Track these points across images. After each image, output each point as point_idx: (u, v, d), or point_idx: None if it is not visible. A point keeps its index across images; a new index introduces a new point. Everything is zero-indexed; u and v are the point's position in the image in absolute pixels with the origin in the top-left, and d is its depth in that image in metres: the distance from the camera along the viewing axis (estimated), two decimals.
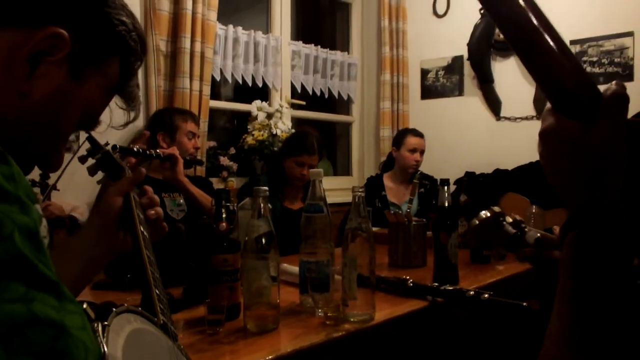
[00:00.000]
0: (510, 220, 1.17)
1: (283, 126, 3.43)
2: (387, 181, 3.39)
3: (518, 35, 0.57)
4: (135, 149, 1.30)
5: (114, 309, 0.70)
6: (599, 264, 0.52)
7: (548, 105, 0.60)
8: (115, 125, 0.85)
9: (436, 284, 1.60)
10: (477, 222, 1.17)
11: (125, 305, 0.74)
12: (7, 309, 0.39)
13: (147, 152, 1.35)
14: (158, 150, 1.47)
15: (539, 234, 1.13)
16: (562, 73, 0.55)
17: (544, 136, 0.59)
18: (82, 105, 0.75)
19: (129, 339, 0.67)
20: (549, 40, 0.55)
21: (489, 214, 1.17)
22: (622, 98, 0.55)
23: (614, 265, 0.52)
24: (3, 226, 0.41)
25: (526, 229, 1.16)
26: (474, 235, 1.17)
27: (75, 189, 2.46)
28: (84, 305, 0.61)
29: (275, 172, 2.70)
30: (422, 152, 3.33)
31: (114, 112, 0.84)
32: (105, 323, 0.64)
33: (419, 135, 3.39)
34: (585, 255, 0.53)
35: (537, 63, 0.57)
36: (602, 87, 0.57)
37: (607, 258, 0.52)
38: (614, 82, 0.56)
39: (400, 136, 3.43)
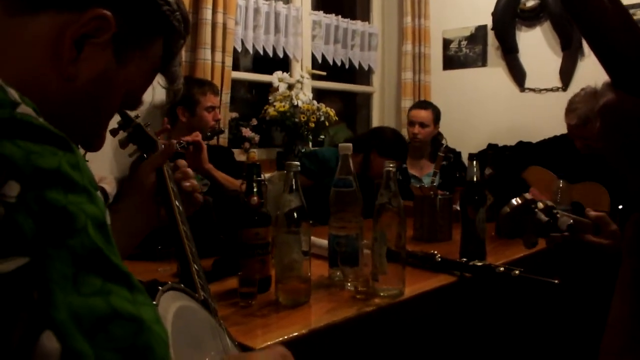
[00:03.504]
0: (542, 206, 1.16)
1: (304, 97, 3.41)
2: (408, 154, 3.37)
3: (580, 5, 0.55)
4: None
5: (160, 288, 0.71)
6: None
7: (607, 79, 0.58)
8: (156, 103, 0.85)
9: (464, 259, 1.60)
10: (508, 209, 1.16)
11: (169, 283, 0.75)
12: (88, 303, 0.39)
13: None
14: (182, 140, 1.46)
15: (571, 220, 1.12)
16: (625, 47, 0.53)
17: (604, 112, 0.57)
18: (126, 86, 0.75)
19: (175, 318, 0.68)
20: (613, 12, 0.53)
21: (520, 202, 1.16)
22: None
23: None
24: (76, 219, 0.41)
25: (558, 215, 1.15)
26: (506, 223, 1.16)
27: (102, 160, 2.48)
28: None
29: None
30: (422, 125, 3.25)
31: (155, 90, 0.83)
32: (154, 303, 0.65)
33: (422, 107, 3.34)
34: None
35: (598, 36, 0.55)
36: None
37: None
38: None
39: (408, 110, 3.42)
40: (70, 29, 0.65)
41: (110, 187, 2.35)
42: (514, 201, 1.15)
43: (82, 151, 0.81)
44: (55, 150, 0.44)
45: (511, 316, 1.71)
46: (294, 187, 1.31)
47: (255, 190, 1.37)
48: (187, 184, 1.09)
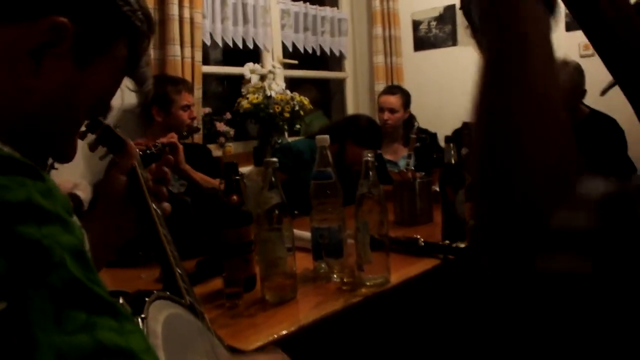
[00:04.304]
0: None
1: (277, 87, 3.38)
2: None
3: None
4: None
5: (146, 299, 0.70)
6: None
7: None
8: (127, 106, 0.83)
9: (447, 241, 1.61)
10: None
11: (155, 292, 0.74)
12: (73, 341, 0.37)
13: (147, 150, 1.33)
14: (157, 142, 1.44)
15: None
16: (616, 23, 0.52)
17: None
18: (92, 92, 0.73)
19: (164, 328, 0.67)
20: None
21: None
22: None
23: None
24: (52, 252, 0.39)
25: None
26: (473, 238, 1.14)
27: (74, 165, 2.42)
28: (120, 301, 0.61)
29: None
30: (392, 111, 3.26)
31: (124, 93, 0.81)
32: (143, 316, 0.64)
33: (390, 92, 3.35)
34: None
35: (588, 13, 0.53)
36: None
37: None
38: None
39: (378, 96, 3.43)
40: (25, 41, 0.63)
41: (84, 194, 2.30)
42: None
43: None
44: (24, 181, 0.42)
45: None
46: (273, 183, 1.30)
47: (234, 189, 1.36)
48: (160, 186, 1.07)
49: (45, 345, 0.36)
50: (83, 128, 1.09)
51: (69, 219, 0.44)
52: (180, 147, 2.20)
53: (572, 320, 0.42)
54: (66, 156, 0.77)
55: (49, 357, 0.36)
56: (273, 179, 1.29)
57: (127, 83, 0.83)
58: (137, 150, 1.05)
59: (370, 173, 1.37)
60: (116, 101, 0.82)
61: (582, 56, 3.00)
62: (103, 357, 0.38)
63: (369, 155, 1.37)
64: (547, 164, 0.44)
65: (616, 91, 0.62)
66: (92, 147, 1.08)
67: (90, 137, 1.08)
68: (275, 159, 1.30)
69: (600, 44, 0.53)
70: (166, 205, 1.02)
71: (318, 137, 1.48)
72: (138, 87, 0.82)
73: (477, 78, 0.52)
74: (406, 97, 3.33)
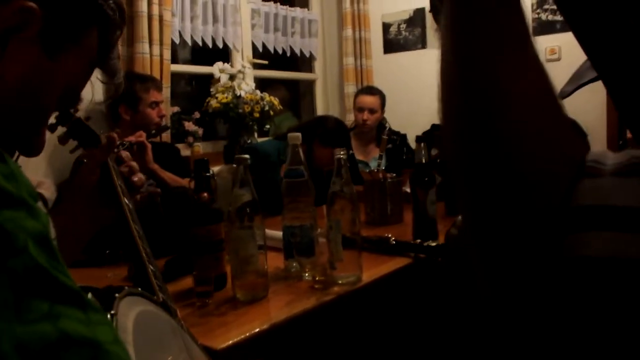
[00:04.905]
0: None
1: (247, 87, 3.36)
2: (353, 139, 3.38)
3: None
4: None
5: (117, 295, 0.68)
6: None
7: None
8: (97, 100, 0.81)
9: (418, 240, 1.62)
10: (455, 232, 1.14)
11: (126, 288, 0.72)
12: (34, 331, 0.35)
13: (115, 149, 1.30)
14: (125, 141, 1.40)
15: None
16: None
17: None
18: (61, 82, 0.71)
19: (136, 325, 0.65)
20: None
21: None
22: None
23: None
24: (15, 238, 0.37)
25: None
26: (453, 245, 1.12)
27: (38, 162, 2.36)
28: (89, 296, 0.59)
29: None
30: (371, 111, 3.28)
31: (95, 86, 0.79)
32: (113, 312, 0.62)
33: (369, 92, 3.37)
34: None
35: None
36: None
37: None
38: None
39: (355, 95, 3.43)
40: None
41: (48, 192, 2.24)
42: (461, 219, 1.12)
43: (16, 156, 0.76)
44: None
45: (468, 293, 1.74)
46: (244, 180, 1.28)
47: (204, 186, 1.33)
48: (136, 178, 1.05)
49: (5, 334, 0.34)
50: (53, 120, 1.06)
51: (34, 205, 0.42)
52: (149, 146, 2.17)
53: (618, 310, 0.35)
54: (34, 148, 0.74)
55: (6, 346, 0.34)
56: (244, 177, 1.28)
57: (97, 75, 0.81)
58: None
59: (343, 171, 1.36)
60: (87, 94, 0.80)
61: (548, 60, 3.07)
62: (67, 348, 0.36)
63: (342, 153, 1.37)
64: (547, 132, 0.39)
65: (577, 95, 0.62)
66: (63, 141, 1.05)
67: (61, 130, 1.05)
68: (247, 156, 1.28)
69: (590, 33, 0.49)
70: (140, 175, 1.01)
71: (290, 134, 1.47)
72: (109, 79, 0.80)
73: (442, 52, 0.48)
74: (383, 98, 3.36)
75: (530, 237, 0.38)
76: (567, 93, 0.57)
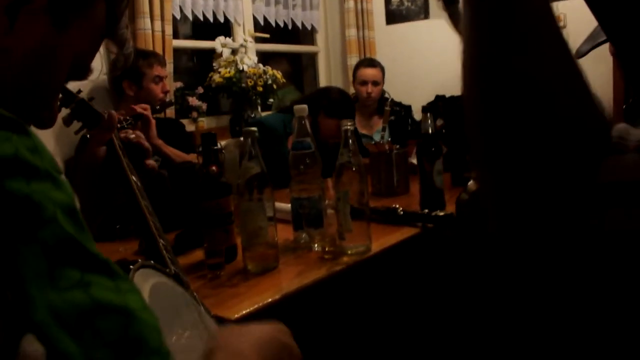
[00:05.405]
0: None
1: (249, 61, 3.34)
2: (356, 113, 3.36)
3: None
4: None
5: (131, 267, 0.69)
6: None
7: None
8: (106, 72, 0.81)
9: (425, 210, 1.63)
10: (466, 196, 1.12)
11: (140, 260, 0.73)
12: (68, 299, 0.36)
13: (119, 125, 1.30)
14: (128, 117, 1.40)
15: None
16: None
17: None
18: (71, 54, 0.71)
19: (151, 297, 0.66)
20: None
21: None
22: None
23: None
24: (44, 208, 0.37)
25: None
26: (464, 211, 1.10)
27: (44, 140, 2.36)
28: None
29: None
30: (374, 83, 3.25)
31: (104, 58, 0.79)
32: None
33: (371, 65, 3.32)
34: None
35: None
36: None
37: None
38: None
39: (355, 68, 3.39)
40: None
41: None
42: (472, 185, 1.09)
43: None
44: (9, 135, 0.40)
45: (476, 262, 1.75)
46: (253, 153, 1.28)
47: (213, 159, 1.34)
48: (132, 135, 1.05)
49: (39, 302, 0.35)
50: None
51: (59, 176, 0.42)
52: (153, 121, 2.17)
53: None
54: (47, 121, 0.74)
55: (43, 314, 0.35)
56: (253, 149, 1.28)
57: (102, 50, 0.81)
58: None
59: (350, 142, 1.36)
60: (96, 66, 0.80)
61: None
62: (100, 314, 0.37)
63: (349, 124, 1.36)
64: (577, 109, 0.40)
65: (585, 59, 0.62)
66: (67, 122, 1.06)
67: (65, 111, 1.05)
68: (254, 128, 1.28)
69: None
70: (151, 162, 1.01)
71: (296, 107, 1.47)
72: (118, 49, 0.80)
73: (468, 35, 0.49)
74: (383, 70, 3.32)
75: (564, 210, 0.38)
76: (583, 52, 0.58)
